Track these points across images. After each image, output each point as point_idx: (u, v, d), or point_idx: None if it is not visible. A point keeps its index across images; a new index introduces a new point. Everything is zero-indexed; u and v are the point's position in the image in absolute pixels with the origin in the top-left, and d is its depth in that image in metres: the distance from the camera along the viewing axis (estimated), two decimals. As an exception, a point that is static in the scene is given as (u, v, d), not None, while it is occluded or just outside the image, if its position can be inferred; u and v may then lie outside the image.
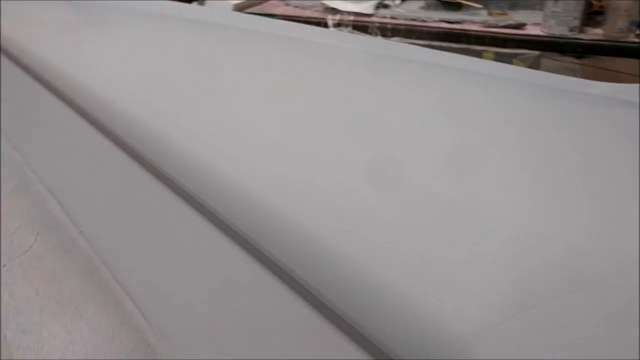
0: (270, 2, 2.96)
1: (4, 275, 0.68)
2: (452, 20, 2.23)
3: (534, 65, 2.02)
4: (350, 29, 2.44)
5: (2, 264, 0.70)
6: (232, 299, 0.56)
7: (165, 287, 0.61)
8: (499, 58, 2.08)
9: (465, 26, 2.18)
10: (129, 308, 0.62)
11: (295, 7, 2.75)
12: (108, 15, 1.40)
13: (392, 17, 2.36)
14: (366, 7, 2.46)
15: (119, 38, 1.08)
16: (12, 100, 1.15)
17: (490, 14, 2.24)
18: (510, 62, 2.05)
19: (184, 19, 1.35)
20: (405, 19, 2.34)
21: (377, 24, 2.37)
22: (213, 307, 0.57)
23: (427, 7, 2.42)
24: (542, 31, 2.05)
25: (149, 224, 0.67)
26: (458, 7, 2.36)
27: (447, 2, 2.36)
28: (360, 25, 2.41)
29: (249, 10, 2.81)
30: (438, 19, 2.26)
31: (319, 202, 0.52)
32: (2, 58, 1.20)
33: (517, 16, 2.21)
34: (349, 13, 2.47)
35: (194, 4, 3.39)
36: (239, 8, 2.81)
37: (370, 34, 2.38)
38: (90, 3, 1.56)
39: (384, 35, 2.35)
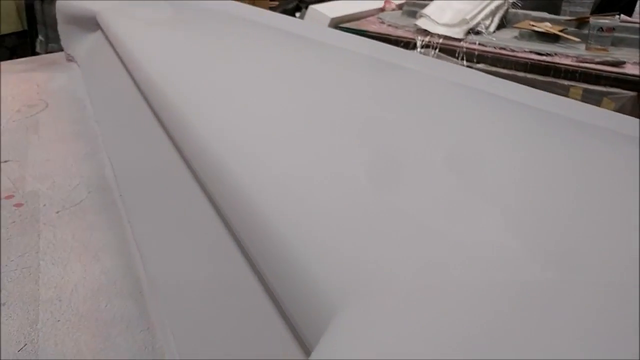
0: (367, 19, 3.05)
1: (55, 219, 0.82)
2: (542, 52, 2.14)
3: (627, 105, 1.88)
4: (437, 51, 2.45)
5: (56, 211, 0.85)
6: (217, 279, 0.64)
7: (167, 251, 0.71)
8: (588, 95, 1.96)
9: (556, 59, 2.09)
10: (136, 261, 0.72)
11: (389, 25, 2.81)
12: (199, 15, 1.57)
13: (480, 44, 2.33)
14: (457, 32, 2.45)
15: (197, 37, 1.22)
16: (105, 82, 1.35)
17: (588, 48, 2.12)
18: (599, 101, 1.94)
19: (261, 25, 1.47)
20: (494, 47, 2.29)
21: (465, 49, 2.35)
22: (199, 277, 0.65)
23: (521, 36, 2.35)
24: (642, 71, 1.91)
25: (169, 200, 0.78)
26: (555, 39, 2.26)
27: (542, 33, 2.28)
28: (448, 49, 2.40)
29: (345, 25, 2.92)
30: (528, 49, 2.19)
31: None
32: (107, 49, 1.41)
33: (619, 53, 2.07)
34: (439, 36, 2.48)
35: (297, 14, 3.60)
36: (335, 23, 2.94)
37: (456, 58, 2.37)
38: (189, 3, 1.76)
39: (469, 60, 2.33)
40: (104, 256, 0.73)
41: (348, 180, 0.58)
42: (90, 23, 1.69)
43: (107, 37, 1.47)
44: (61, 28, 1.82)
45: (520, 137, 0.68)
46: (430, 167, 0.62)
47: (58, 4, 1.90)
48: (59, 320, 0.62)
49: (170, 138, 0.84)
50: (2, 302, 0.65)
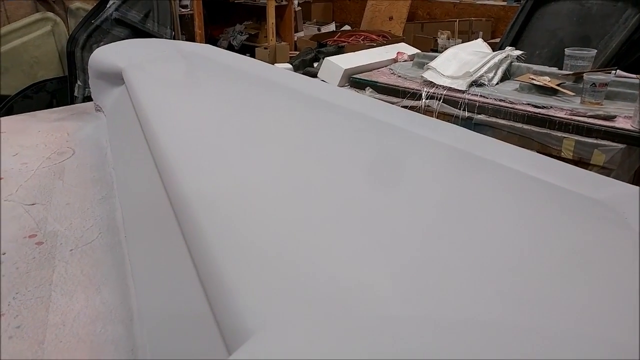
0: (380, 70, 3.23)
1: (69, 256, 0.96)
2: (539, 105, 2.25)
3: (616, 157, 1.96)
4: (440, 101, 2.58)
5: (70, 249, 0.99)
6: (183, 307, 0.75)
7: (155, 285, 0.83)
8: (580, 146, 2.05)
9: (551, 112, 2.19)
10: (132, 293, 0.85)
11: (399, 77, 2.97)
12: (215, 73, 1.74)
13: (482, 96, 2.45)
14: (460, 84, 2.59)
15: (206, 96, 1.38)
16: (123, 132, 1.52)
17: (582, 102, 2.22)
18: (590, 152, 2.02)
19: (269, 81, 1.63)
20: (495, 99, 2.41)
21: (467, 101, 2.48)
22: (172, 306, 0.77)
23: (521, 89, 2.47)
24: (632, 126, 1.99)
25: (161, 242, 0.91)
26: (553, 92, 2.37)
27: (541, 86, 2.39)
28: (451, 100, 2.54)
29: (358, 76, 3.09)
30: (526, 102, 2.30)
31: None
32: (127, 102, 1.58)
33: (612, 107, 2.16)
34: (444, 87, 2.62)
35: (315, 64, 3.81)
36: (348, 74, 3.12)
37: (458, 108, 2.50)
38: (211, 61, 1.94)
39: (470, 111, 2.45)
40: (105, 288, 0.86)
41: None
42: (117, 78, 1.89)
43: (128, 91, 1.66)
44: (92, 81, 2.03)
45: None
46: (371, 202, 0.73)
47: (90, 59, 2.12)
48: (61, 342, 0.75)
49: (165, 189, 0.98)
50: (17, 325, 0.78)
